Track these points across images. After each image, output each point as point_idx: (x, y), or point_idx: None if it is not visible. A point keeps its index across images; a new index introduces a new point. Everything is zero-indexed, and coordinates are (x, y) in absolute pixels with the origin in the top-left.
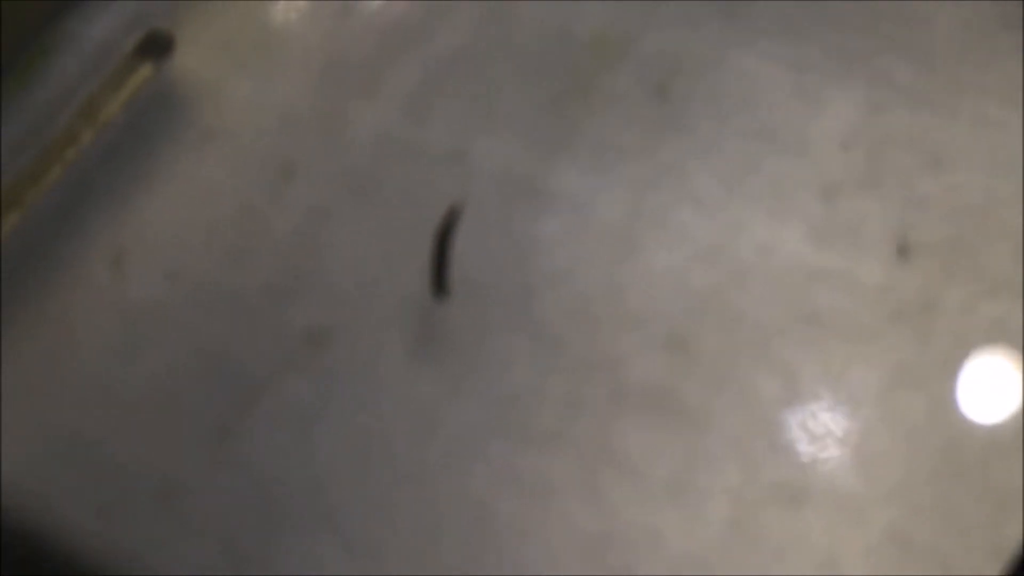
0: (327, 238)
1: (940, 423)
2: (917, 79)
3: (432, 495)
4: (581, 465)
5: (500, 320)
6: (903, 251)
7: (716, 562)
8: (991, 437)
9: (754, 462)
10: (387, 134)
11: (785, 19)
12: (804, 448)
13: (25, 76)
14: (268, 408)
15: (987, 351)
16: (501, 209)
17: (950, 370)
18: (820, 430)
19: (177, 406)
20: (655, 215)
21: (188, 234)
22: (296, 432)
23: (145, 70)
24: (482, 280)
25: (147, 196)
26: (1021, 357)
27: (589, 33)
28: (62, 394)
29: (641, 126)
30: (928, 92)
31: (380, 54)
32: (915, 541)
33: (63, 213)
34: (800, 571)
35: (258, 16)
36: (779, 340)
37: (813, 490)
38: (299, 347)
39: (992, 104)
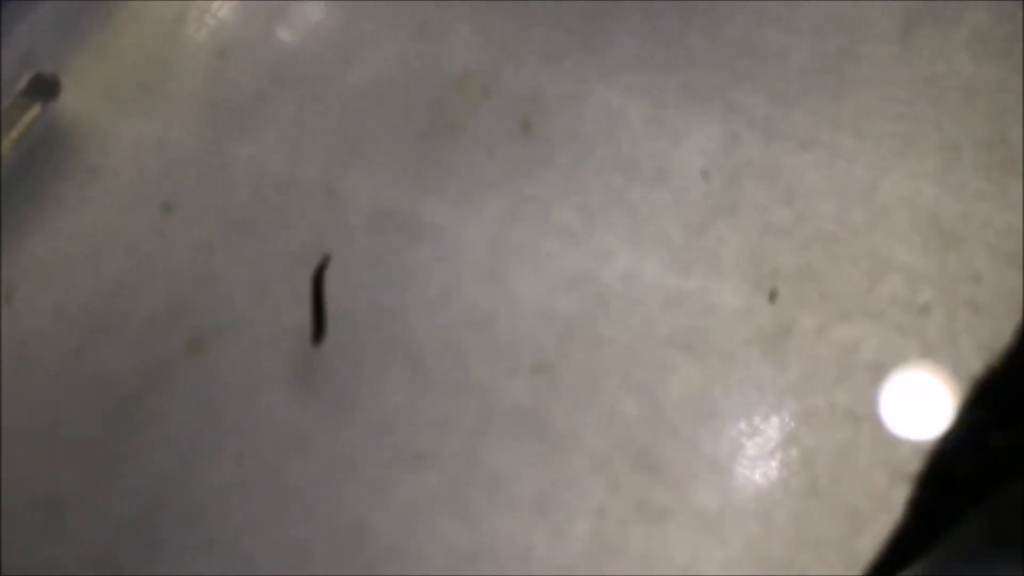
0: (208, 271)
1: (795, 442)
2: (772, 111)
3: (307, 516)
4: (451, 484)
5: (373, 346)
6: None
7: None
8: (843, 454)
9: (617, 480)
10: (263, 170)
11: (644, 54)
12: (666, 467)
13: None
14: (150, 433)
15: (840, 373)
16: (372, 241)
17: (804, 391)
18: (681, 450)
19: (62, 430)
20: (520, 246)
21: (74, 269)
22: (176, 456)
23: (33, 110)
24: (355, 309)
25: (35, 232)
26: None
27: (454, 71)
28: None
29: (506, 160)
30: (782, 124)
31: (256, 94)
32: (772, 556)
33: None
34: None
35: (141, 58)
36: (641, 363)
37: (675, 507)
38: (181, 375)
39: (844, 135)
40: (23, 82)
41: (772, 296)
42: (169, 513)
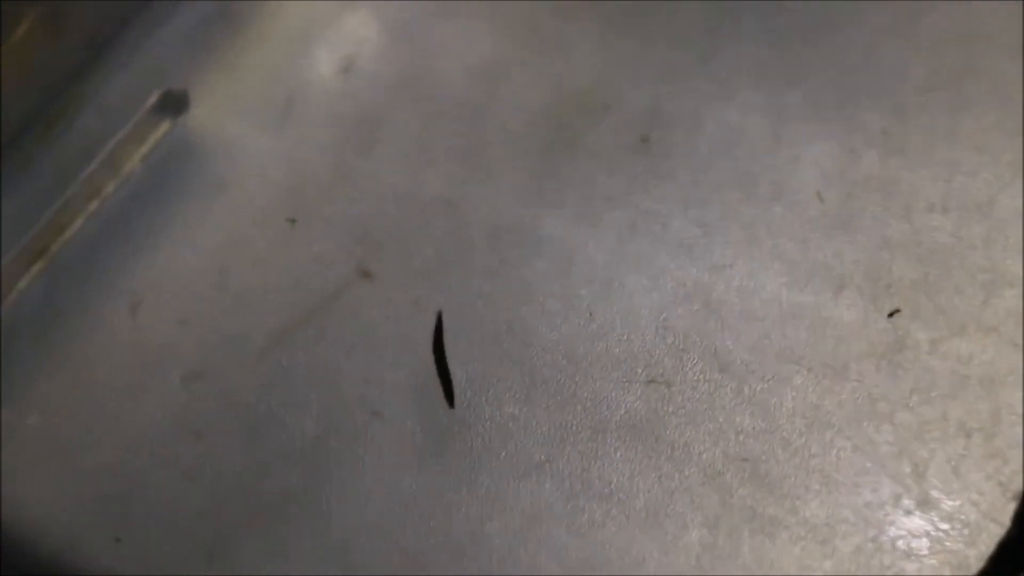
0: (330, 285)
1: (907, 455)
2: (890, 127)
3: (424, 524)
4: (566, 494)
5: (491, 358)
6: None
7: None
8: (954, 467)
9: (729, 492)
10: (386, 184)
11: (762, 71)
12: (777, 479)
13: (50, 132)
14: (276, 443)
15: (953, 386)
16: (491, 254)
17: (917, 404)
18: (792, 462)
19: (184, 440)
20: (638, 259)
21: (200, 282)
22: (301, 466)
23: (163, 126)
24: (474, 322)
25: (163, 245)
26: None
27: (575, 88)
28: (80, 430)
29: (624, 175)
30: (900, 139)
31: (379, 110)
32: (880, 567)
33: (86, 261)
34: None
35: (268, 75)
36: (756, 376)
37: (785, 518)
38: (303, 390)
39: (962, 150)
40: (153, 98)
41: (892, 314)
42: (290, 521)
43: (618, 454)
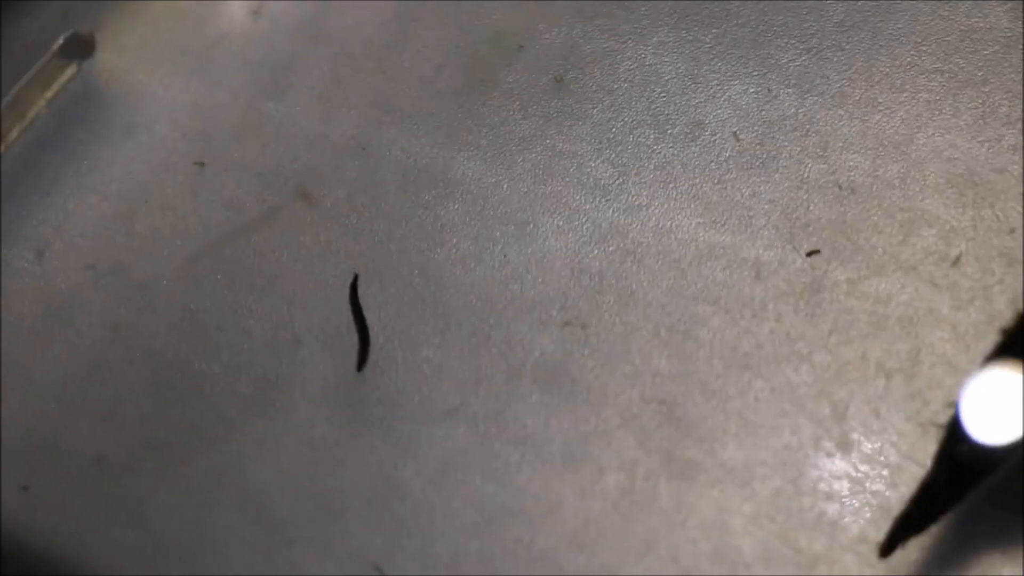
0: (239, 228)
1: (826, 396)
2: (807, 66)
3: (338, 470)
4: (481, 440)
5: (404, 303)
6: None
7: (610, 529)
8: (873, 407)
9: (647, 435)
10: (297, 128)
11: (678, 10)
12: (695, 421)
13: None
14: (186, 393)
15: (872, 326)
16: (404, 197)
17: (836, 344)
18: (710, 404)
19: (95, 389)
20: (553, 200)
21: (107, 227)
22: (212, 413)
23: (69, 70)
24: (386, 265)
25: (69, 190)
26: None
27: (489, 28)
28: None
29: (539, 116)
30: (817, 78)
31: (290, 54)
32: (800, 510)
33: None
34: (689, 535)
35: (176, 17)
36: (672, 318)
37: (703, 462)
38: (214, 335)
39: (879, 89)
40: (59, 41)
41: (811, 254)
42: (200, 470)
43: (533, 398)
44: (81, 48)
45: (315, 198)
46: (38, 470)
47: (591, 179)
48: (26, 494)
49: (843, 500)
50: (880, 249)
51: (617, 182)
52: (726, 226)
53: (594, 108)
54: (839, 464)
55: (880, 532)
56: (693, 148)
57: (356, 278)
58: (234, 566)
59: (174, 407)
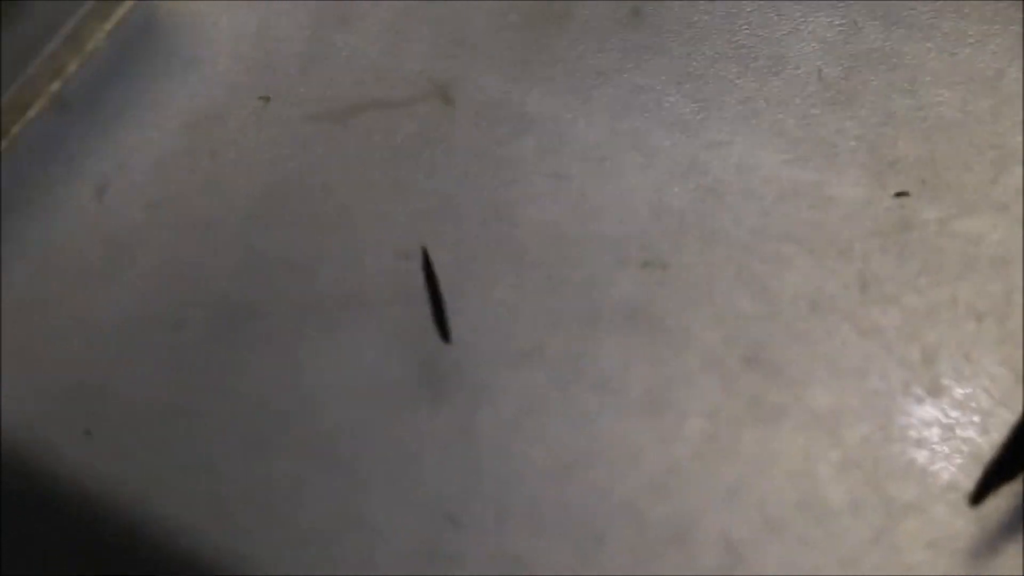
0: (306, 166)
1: (915, 338)
2: None
3: (410, 416)
4: (558, 383)
5: (477, 241)
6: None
7: (693, 476)
8: (964, 351)
9: (730, 379)
10: (364, 61)
11: None
12: (779, 365)
13: (8, 8)
14: (249, 332)
15: (963, 267)
16: (478, 132)
17: (925, 286)
18: (795, 347)
19: (156, 331)
20: (631, 137)
21: (169, 163)
22: (276, 355)
23: (128, 1)
24: (460, 203)
25: (130, 126)
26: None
27: None
28: (46, 319)
29: (616, 49)
30: (904, 10)
31: None
32: (889, 457)
33: (48, 143)
34: (775, 483)
35: None
36: (756, 258)
37: (789, 406)
38: (280, 275)
39: (969, 21)
40: None
41: (899, 195)
42: (268, 415)
43: (612, 341)
44: None
45: (386, 133)
46: (100, 415)
47: (671, 115)
48: (89, 439)
49: (933, 447)
50: (971, 187)
51: (698, 118)
52: (811, 163)
53: (673, 41)
54: (929, 410)
55: (971, 480)
56: (776, 83)
57: (426, 252)
58: (303, 512)
59: (239, 350)
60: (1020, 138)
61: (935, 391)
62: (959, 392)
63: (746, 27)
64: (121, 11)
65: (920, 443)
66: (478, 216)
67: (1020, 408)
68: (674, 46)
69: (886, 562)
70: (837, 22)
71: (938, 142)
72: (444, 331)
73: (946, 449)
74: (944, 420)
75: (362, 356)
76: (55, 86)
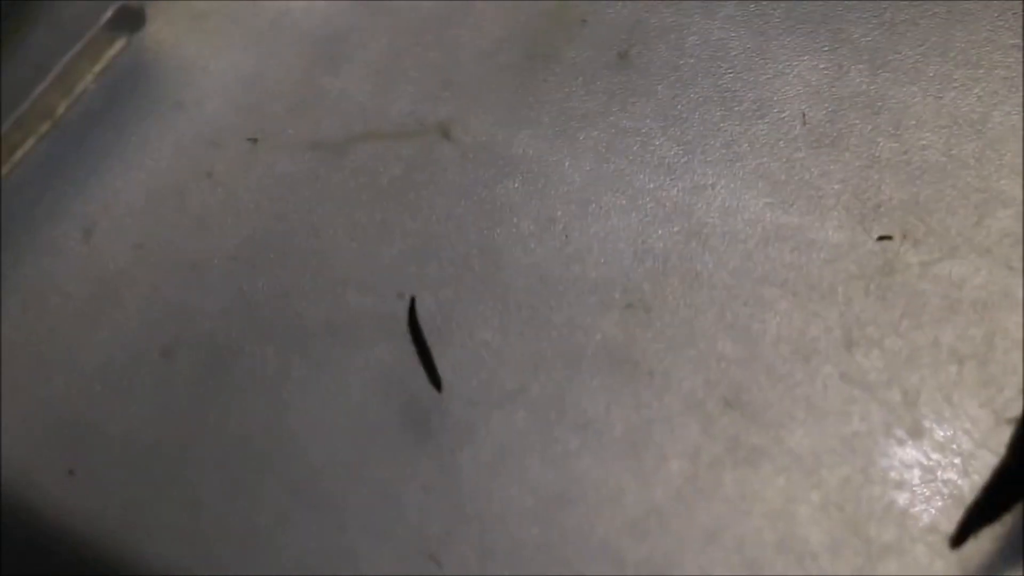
0: (293, 207)
1: (896, 382)
2: (879, 41)
3: (392, 456)
4: (540, 424)
5: (462, 282)
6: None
7: (673, 517)
8: (946, 394)
9: (711, 421)
10: (353, 103)
11: None
12: (760, 407)
13: None
14: (235, 372)
15: (945, 310)
16: (464, 174)
17: (907, 329)
18: (776, 390)
19: (144, 370)
20: (616, 179)
21: (157, 204)
22: (262, 395)
23: (118, 43)
24: (444, 245)
25: (118, 167)
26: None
27: (550, 2)
28: (31, 358)
29: (602, 91)
30: (890, 54)
31: (347, 27)
32: (870, 498)
33: (36, 184)
34: (754, 524)
35: None
36: (738, 301)
37: (769, 448)
38: (267, 313)
39: (954, 65)
40: (108, 14)
41: (881, 239)
42: (252, 453)
43: (595, 382)
44: (131, 20)
45: (371, 175)
46: (84, 454)
47: (655, 157)
48: (72, 478)
49: (914, 489)
50: (954, 231)
51: (682, 160)
52: (794, 206)
53: (659, 84)
54: (910, 452)
55: (952, 522)
56: (761, 126)
57: (413, 302)
58: (286, 551)
59: (224, 389)
60: (1004, 182)
61: (916, 433)
62: (940, 434)
63: (731, 71)
64: (111, 53)
65: (901, 485)
66: (463, 257)
67: (1001, 451)
68: (660, 89)
69: None
70: (822, 65)
71: (922, 186)
72: (436, 381)
73: (927, 491)
74: (925, 462)
75: (347, 395)
76: (44, 127)
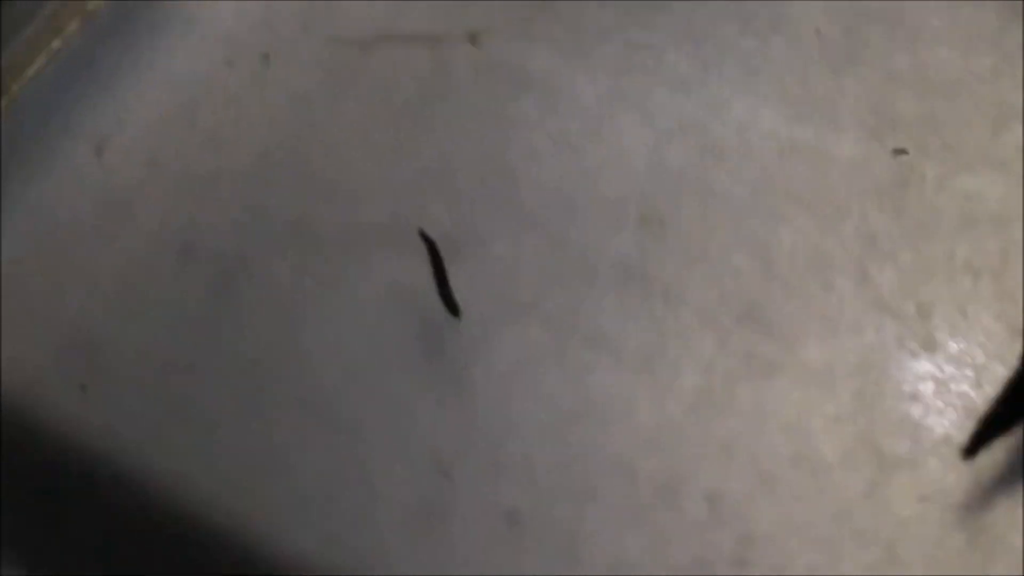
0: (307, 124)
1: (911, 295)
2: None
3: (406, 372)
4: (555, 339)
5: (476, 197)
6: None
7: (686, 432)
8: (960, 308)
9: (725, 335)
10: (367, 20)
11: None
12: (775, 321)
13: None
14: (247, 292)
15: (960, 224)
16: (477, 91)
17: (922, 243)
18: (791, 303)
19: (156, 288)
20: (631, 95)
21: (169, 121)
22: (274, 314)
23: None
24: (458, 161)
25: (130, 84)
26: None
27: None
28: (44, 276)
29: (616, 7)
30: None
31: None
32: (884, 409)
33: (47, 101)
34: (768, 438)
35: None
36: (754, 215)
37: (783, 361)
38: (276, 232)
39: None
40: None
41: (898, 153)
42: (266, 370)
43: (609, 297)
44: None
45: (384, 92)
46: (96, 370)
47: (671, 73)
48: (84, 394)
49: (927, 401)
50: (970, 145)
51: (698, 76)
52: (810, 122)
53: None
54: (923, 365)
55: (964, 434)
56: (776, 41)
57: (425, 235)
58: (299, 465)
59: (237, 306)
60: (1019, 96)
61: (930, 346)
62: (954, 347)
63: None
64: None
65: (914, 397)
66: (477, 174)
67: (1014, 363)
68: (675, 4)
69: (879, 516)
70: None
71: (938, 100)
72: (452, 307)
73: (940, 403)
74: (938, 375)
75: (360, 312)
76: (55, 44)
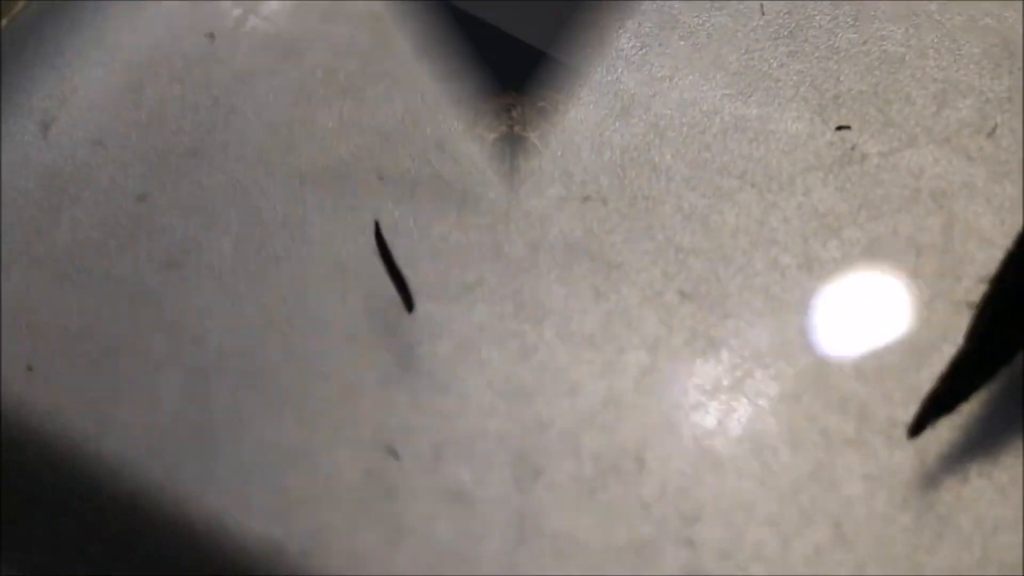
0: (250, 103)
1: (855, 271)
2: None
3: (351, 347)
4: (498, 317)
5: (418, 174)
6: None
7: (631, 409)
8: (904, 283)
9: (670, 312)
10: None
11: None
12: (719, 298)
13: None
14: (191, 268)
15: (904, 200)
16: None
17: (866, 219)
18: (735, 280)
19: (98, 266)
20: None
21: (115, 99)
22: (222, 290)
23: None
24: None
25: (75, 62)
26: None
27: None
28: None
29: None
30: None
31: None
32: (831, 388)
33: None
34: (713, 413)
35: None
36: (697, 192)
37: (728, 339)
38: (223, 211)
39: None
40: None
41: (840, 128)
42: (209, 349)
43: (552, 275)
44: None
45: (331, 71)
46: (42, 350)
47: (612, 49)
48: (30, 374)
49: (872, 380)
50: (913, 121)
51: (639, 53)
52: (753, 98)
53: None
54: (868, 343)
55: (910, 413)
56: (719, 17)
57: (378, 226)
58: (243, 446)
59: (181, 284)
60: (962, 72)
61: (874, 324)
62: (899, 325)
63: None
64: None
65: (859, 376)
66: (420, 151)
67: (958, 341)
68: None
69: (824, 495)
70: None
71: (881, 76)
72: (408, 302)
73: (885, 382)
74: (883, 353)
75: (304, 290)
76: (2, 22)
